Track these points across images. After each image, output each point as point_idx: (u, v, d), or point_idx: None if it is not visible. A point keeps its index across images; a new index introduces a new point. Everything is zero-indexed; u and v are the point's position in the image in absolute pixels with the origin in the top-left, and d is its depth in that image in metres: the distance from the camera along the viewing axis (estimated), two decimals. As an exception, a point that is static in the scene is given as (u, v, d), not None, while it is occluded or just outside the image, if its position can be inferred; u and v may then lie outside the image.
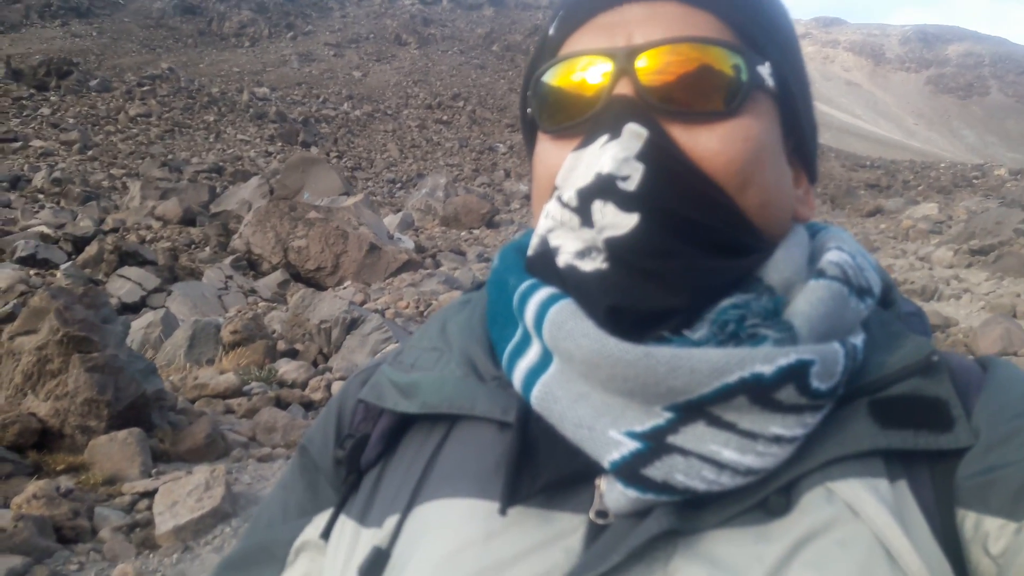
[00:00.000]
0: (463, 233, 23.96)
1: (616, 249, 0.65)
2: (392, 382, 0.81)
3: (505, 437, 0.72)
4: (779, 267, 0.70)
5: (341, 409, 0.89)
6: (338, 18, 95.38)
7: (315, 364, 9.03)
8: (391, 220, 22.58)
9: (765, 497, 0.63)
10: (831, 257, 0.73)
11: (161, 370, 7.76)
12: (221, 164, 32.52)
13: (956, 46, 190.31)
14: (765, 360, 0.61)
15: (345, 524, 0.78)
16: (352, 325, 9.39)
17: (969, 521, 0.63)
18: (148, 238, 18.01)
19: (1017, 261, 13.49)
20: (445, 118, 59.97)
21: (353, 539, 0.76)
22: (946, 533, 0.63)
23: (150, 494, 5.09)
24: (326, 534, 0.80)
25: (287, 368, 8.36)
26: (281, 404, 7.52)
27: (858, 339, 0.70)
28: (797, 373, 0.61)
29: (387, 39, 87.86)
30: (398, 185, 38.72)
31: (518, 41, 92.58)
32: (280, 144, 41.27)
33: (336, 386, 7.91)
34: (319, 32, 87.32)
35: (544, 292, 0.70)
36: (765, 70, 0.73)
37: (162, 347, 9.36)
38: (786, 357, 0.61)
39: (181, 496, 5.01)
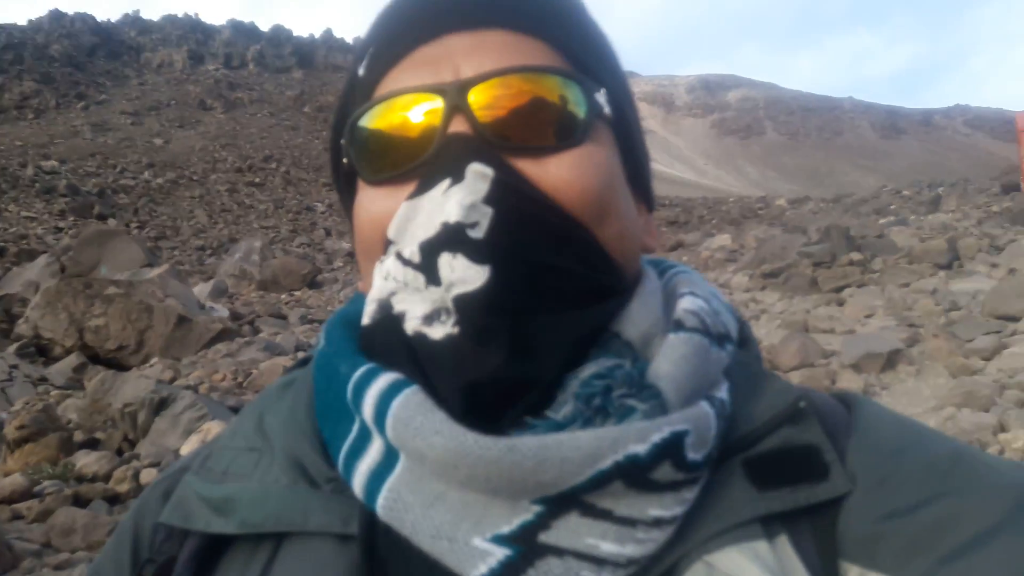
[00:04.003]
0: (283, 296, 23.13)
1: (467, 308, 0.58)
2: (201, 496, 0.68)
3: (348, 552, 0.61)
4: (635, 320, 0.65)
5: (137, 529, 0.74)
6: (135, 86, 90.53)
7: (120, 452, 8.26)
8: (202, 289, 21.33)
9: None
10: (687, 305, 0.68)
11: (-71, 480, 6.78)
12: (2, 245, 29.55)
13: (735, 92, 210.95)
14: (638, 438, 0.56)
15: None
16: (161, 405, 8.67)
17: (853, 574, 0.60)
18: (-87, 332, 15.84)
19: (803, 281, 14.86)
20: (257, 180, 58.19)
21: None
22: None
23: (-87, 629, 4.36)
24: None
25: (86, 460, 7.59)
26: (81, 502, 6.79)
27: (723, 392, 0.66)
28: (672, 447, 0.57)
29: (190, 105, 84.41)
30: (208, 252, 36.88)
31: (330, 102, 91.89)
32: (72, 219, 38.21)
33: (145, 475, 7.29)
34: (114, 101, 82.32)
35: (384, 380, 0.61)
36: (602, 97, 0.69)
37: (-69, 454, 8.18)
38: (659, 431, 0.57)
39: (-45, 625, 4.33)
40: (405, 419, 0.57)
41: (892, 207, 31.69)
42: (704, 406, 0.61)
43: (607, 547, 0.55)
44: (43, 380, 12.64)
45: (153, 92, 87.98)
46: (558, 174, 0.64)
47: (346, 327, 0.72)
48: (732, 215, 42.68)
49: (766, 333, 11.84)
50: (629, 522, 0.56)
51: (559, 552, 0.55)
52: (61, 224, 36.80)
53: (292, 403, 0.74)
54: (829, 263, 15.60)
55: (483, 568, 0.55)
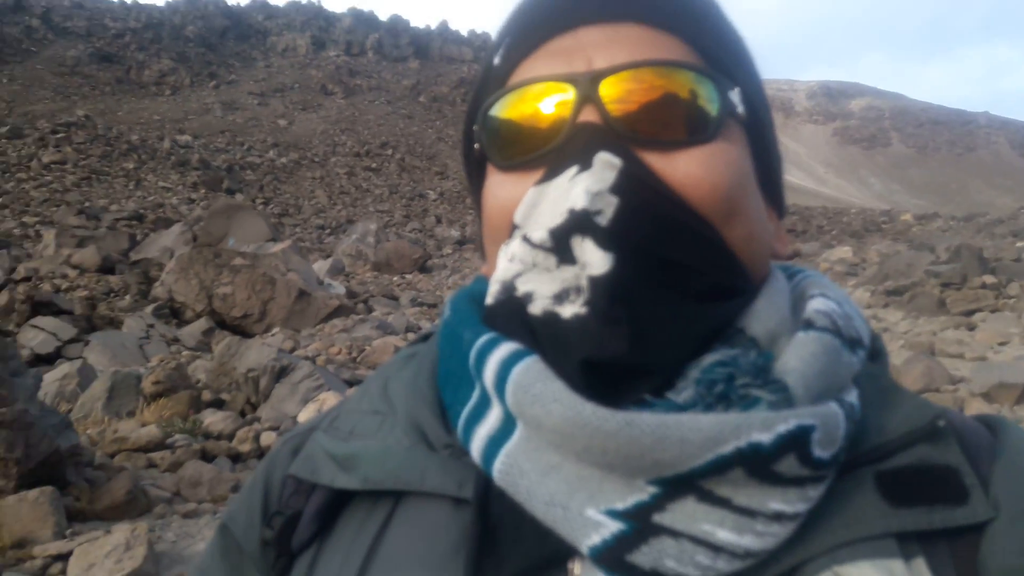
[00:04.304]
0: (395, 278, 23.79)
1: (596, 290, 0.58)
2: (328, 453, 0.71)
3: (462, 515, 0.63)
4: (762, 317, 0.63)
5: (268, 482, 0.77)
6: (262, 68, 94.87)
7: (243, 414, 8.70)
8: (321, 266, 22.23)
9: None
10: (818, 306, 0.66)
11: (77, 424, 7.36)
12: (142, 212, 31.62)
13: (858, 101, 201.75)
14: (763, 427, 0.53)
15: None
16: (281, 373, 9.10)
17: None
18: (64, 287, 17.21)
19: (929, 301, 14.13)
20: (374, 165, 59.97)
21: None
22: None
23: (64, 557, 4.76)
24: None
25: (213, 419, 8.04)
26: (207, 457, 7.21)
27: (852, 396, 0.63)
28: (798, 441, 0.54)
29: (312, 89, 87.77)
30: (327, 231, 38.36)
31: (444, 92, 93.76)
32: (203, 191, 40.48)
33: (265, 437, 7.65)
34: (243, 81, 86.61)
35: (506, 348, 0.61)
36: (735, 96, 0.67)
37: (78, 400, 8.87)
38: (785, 423, 0.54)
39: (99, 558, 4.69)
40: (525, 386, 0.57)
41: (1031, 230, 29.57)
42: (833, 406, 0.58)
43: (724, 535, 0.53)
44: (176, 340, 13.48)
45: (278, 75, 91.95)
46: (687, 170, 0.62)
47: (471, 301, 0.73)
48: (853, 227, 40.89)
49: (889, 353, 11.34)
50: (748, 512, 0.54)
51: (674, 534, 0.53)
52: (193, 196, 39.06)
53: (415, 372, 0.75)
54: (959, 284, 14.75)
55: (596, 539, 0.54)
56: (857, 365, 0.65)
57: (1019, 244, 22.41)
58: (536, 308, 0.61)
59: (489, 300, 0.67)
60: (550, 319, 0.60)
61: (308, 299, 15.24)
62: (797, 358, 0.60)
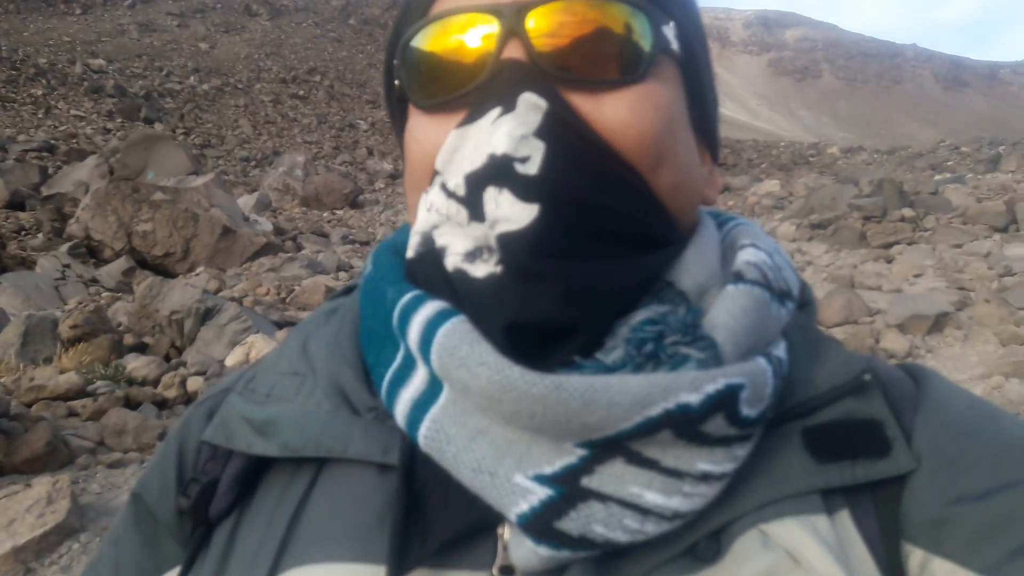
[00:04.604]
0: (325, 214, 23.31)
1: (512, 248, 0.55)
2: (244, 417, 0.68)
3: (387, 482, 0.61)
4: (691, 270, 0.62)
5: (182, 448, 0.74)
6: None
7: (167, 359, 8.49)
8: (246, 201, 21.56)
9: (693, 543, 0.56)
10: (748, 257, 0.65)
11: (-11, 373, 7.05)
12: (53, 142, 29.90)
13: (793, 31, 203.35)
14: (691, 387, 0.53)
15: None
16: (207, 315, 8.87)
17: (915, 559, 0.58)
18: (-32, 224, 16.27)
19: (851, 234, 14.58)
20: (301, 93, 57.99)
21: None
22: (891, 567, 0.58)
23: (-20, 514, 4.59)
24: None
25: (136, 364, 7.81)
26: (131, 404, 7.00)
27: (781, 350, 0.62)
28: (726, 400, 0.54)
29: (235, 9, 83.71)
30: (252, 163, 37.09)
31: (376, 15, 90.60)
32: (120, 120, 38.53)
33: (192, 382, 7.50)
34: (160, 0, 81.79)
35: (431, 307, 0.58)
36: (670, 31, 0.64)
37: (-11, 346, 8.49)
38: (713, 383, 0.54)
39: (19, 513, 4.56)
40: (451, 348, 0.55)
41: (949, 163, 30.75)
42: (761, 362, 0.58)
43: (651, 497, 0.53)
44: (94, 281, 12.97)
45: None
46: (615, 115, 0.59)
47: (393, 254, 0.70)
48: (782, 160, 41.75)
49: (811, 286, 11.73)
50: (676, 474, 0.54)
51: (602, 497, 0.53)
52: (109, 125, 37.14)
53: (336, 330, 0.73)
54: (880, 218, 15.24)
55: (524, 506, 0.53)
56: (786, 317, 0.65)
57: (937, 177, 23.27)
58: (449, 264, 0.59)
59: (409, 253, 0.65)
60: (461, 278, 0.58)
61: (233, 236, 14.81)
62: (726, 313, 0.59)
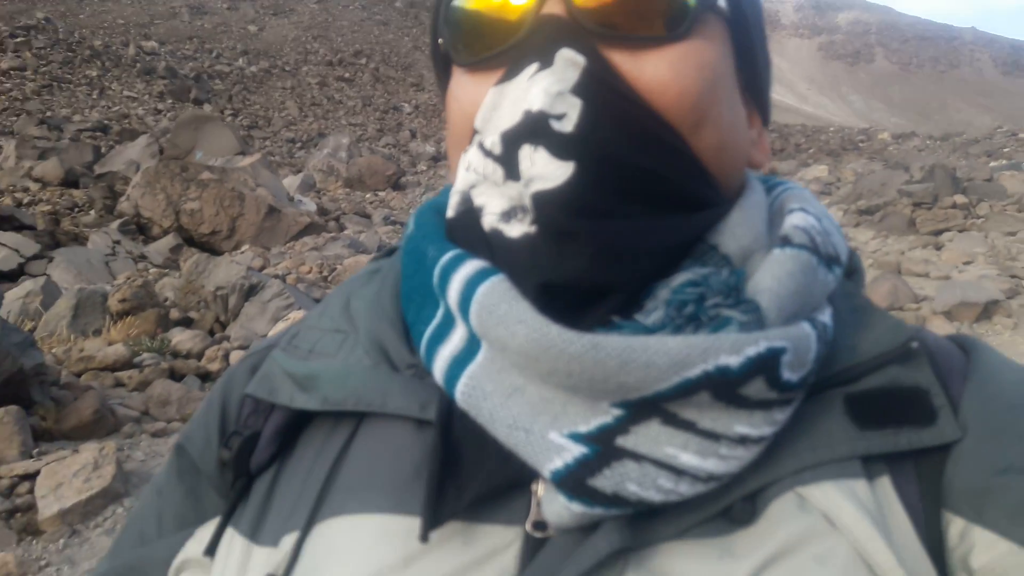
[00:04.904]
0: (368, 195, 23.48)
1: (546, 207, 0.54)
2: (286, 372, 0.68)
3: (424, 437, 0.61)
4: (736, 233, 0.60)
5: (225, 401, 0.75)
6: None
7: (211, 333, 8.67)
8: (291, 181, 21.85)
9: (728, 505, 0.55)
10: (796, 221, 0.63)
11: (42, 342, 7.30)
12: (106, 122, 30.68)
13: (846, 14, 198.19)
14: (732, 350, 0.52)
15: (234, 540, 0.66)
16: (251, 291, 9.04)
17: (955, 527, 0.56)
18: (25, 201, 16.80)
19: (900, 221, 14.23)
20: (347, 75, 58.36)
21: (243, 559, 0.64)
22: (931, 535, 0.56)
23: (31, 476, 4.78)
24: (211, 550, 0.67)
25: (181, 338, 7.99)
26: (175, 376, 7.19)
27: (826, 316, 0.61)
28: (767, 364, 0.53)
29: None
30: (298, 145, 37.57)
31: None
32: (171, 101, 39.28)
33: (235, 356, 7.65)
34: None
35: (471, 266, 0.58)
36: None
37: (43, 318, 8.77)
38: (755, 345, 0.52)
39: (67, 477, 4.73)
40: (489, 306, 0.55)
41: (1006, 150, 29.74)
42: (805, 326, 0.57)
43: (687, 458, 0.52)
44: (143, 257, 13.30)
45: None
46: (655, 73, 0.58)
47: (435, 214, 0.70)
48: (831, 146, 40.82)
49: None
50: (712, 436, 0.53)
51: (637, 457, 0.52)
52: (160, 106, 37.89)
53: (378, 289, 0.73)
54: (930, 204, 14.85)
55: (558, 463, 0.53)
56: (833, 283, 0.63)
57: (992, 164, 22.52)
58: (486, 224, 0.59)
59: (449, 213, 0.64)
60: (497, 237, 0.58)
61: (278, 216, 15.03)
62: (771, 276, 0.57)
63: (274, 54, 59.76)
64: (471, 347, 0.58)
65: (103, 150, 22.67)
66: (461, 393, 0.57)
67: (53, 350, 7.30)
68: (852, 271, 0.70)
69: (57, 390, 6.01)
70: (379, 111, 49.62)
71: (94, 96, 37.51)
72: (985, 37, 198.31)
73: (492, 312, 0.54)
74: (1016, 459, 0.56)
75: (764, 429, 0.55)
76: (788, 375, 0.54)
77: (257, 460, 0.68)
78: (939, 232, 13.49)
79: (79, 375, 6.85)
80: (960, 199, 14.77)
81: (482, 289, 0.56)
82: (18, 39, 42.26)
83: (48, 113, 31.46)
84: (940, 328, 8.23)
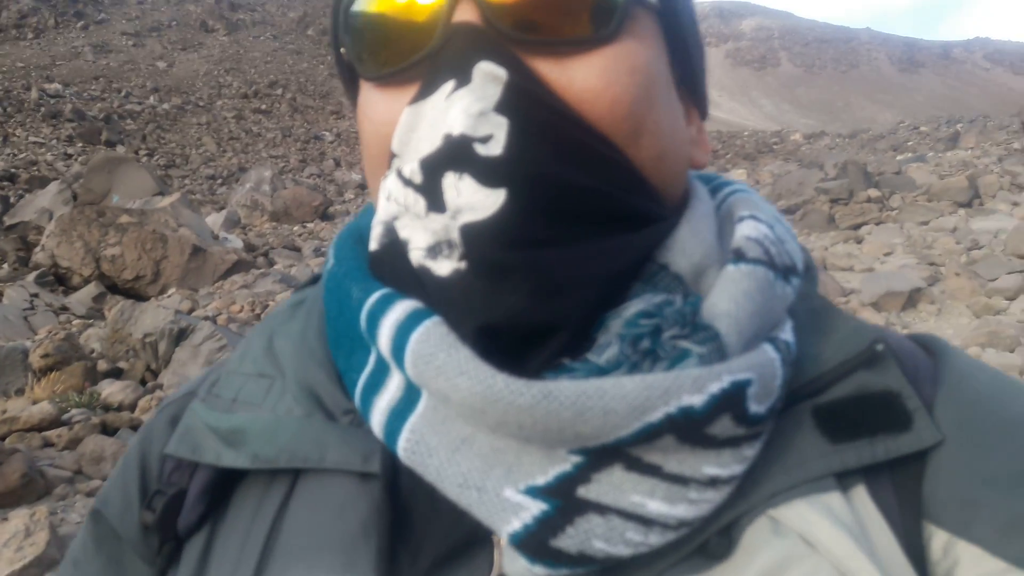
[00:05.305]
0: (296, 228, 23.08)
1: (476, 240, 0.49)
2: (209, 426, 0.62)
3: (369, 490, 0.56)
4: (686, 249, 0.56)
5: (144, 458, 0.68)
6: (134, 5, 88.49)
7: (143, 382, 8.36)
8: (215, 219, 21.28)
9: (703, 541, 0.51)
10: (748, 232, 0.59)
11: (-41, 408, 6.89)
12: (13, 171, 29.37)
13: (749, 21, 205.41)
14: (694, 388, 0.48)
15: None
16: (181, 336, 8.74)
17: (938, 540, 0.53)
18: (-71, 258, 15.91)
19: (820, 217, 14.72)
20: (264, 107, 57.46)
21: None
22: (911, 547, 0.53)
23: (-43, 552, 4.48)
24: None
25: (111, 390, 7.68)
26: (108, 430, 6.88)
27: (788, 333, 0.57)
28: (732, 399, 0.49)
29: (192, 26, 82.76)
30: (219, 181, 36.68)
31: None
32: (81, 145, 37.88)
33: (170, 403, 7.38)
34: (114, 20, 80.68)
35: (401, 308, 0.53)
36: None
37: (-42, 381, 8.30)
38: (718, 381, 0.49)
39: (-3, 548, 4.45)
40: (426, 356, 0.50)
41: (910, 143, 31.22)
42: (768, 350, 0.53)
43: (655, 506, 0.49)
44: (64, 309, 12.72)
45: (153, 12, 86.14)
46: (585, 82, 0.53)
47: (357, 243, 0.64)
48: (747, 150, 42.10)
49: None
50: (680, 480, 0.49)
51: (601, 509, 0.48)
52: (70, 150, 36.50)
53: (303, 325, 0.67)
54: (847, 200, 15.42)
55: (516, 524, 0.48)
56: (791, 296, 0.59)
57: (899, 158, 23.60)
58: (413, 259, 0.54)
59: (373, 245, 0.59)
60: (426, 276, 0.53)
61: (204, 255, 14.59)
62: (728, 298, 0.53)
63: (186, 90, 58.43)
64: (410, 396, 0.54)
65: (12, 200, 21.76)
66: (404, 450, 0.52)
67: (-28, 414, 6.90)
68: (805, 269, 0.66)
69: (-20, 457, 5.67)
70: (300, 141, 48.96)
71: (-3, 144, 35.93)
72: (880, 36, 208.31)
73: (429, 362, 0.50)
74: (1002, 469, 0.54)
75: (734, 468, 0.51)
76: (755, 408, 0.51)
77: (185, 521, 0.62)
78: (858, 226, 14.01)
79: (3, 438, 6.50)
80: (874, 193, 15.39)
81: (416, 336, 0.51)
82: (-90, 89, 40.26)
83: (-52, 164, 29.98)
84: (870, 319, 8.52)
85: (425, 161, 0.52)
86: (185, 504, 0.62)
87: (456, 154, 0.50)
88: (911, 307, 8.87)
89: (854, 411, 0.56)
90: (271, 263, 16.44)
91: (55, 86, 50.69)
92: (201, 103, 55.36)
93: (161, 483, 0.66)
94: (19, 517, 4.67)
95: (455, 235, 0.50)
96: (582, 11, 0.54)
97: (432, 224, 0.52)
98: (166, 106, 52.18)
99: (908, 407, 0.56)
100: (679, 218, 0.58)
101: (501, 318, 0.50)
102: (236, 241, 17.33)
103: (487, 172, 0.49)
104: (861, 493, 0.54)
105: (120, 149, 36.74)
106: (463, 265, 0.50)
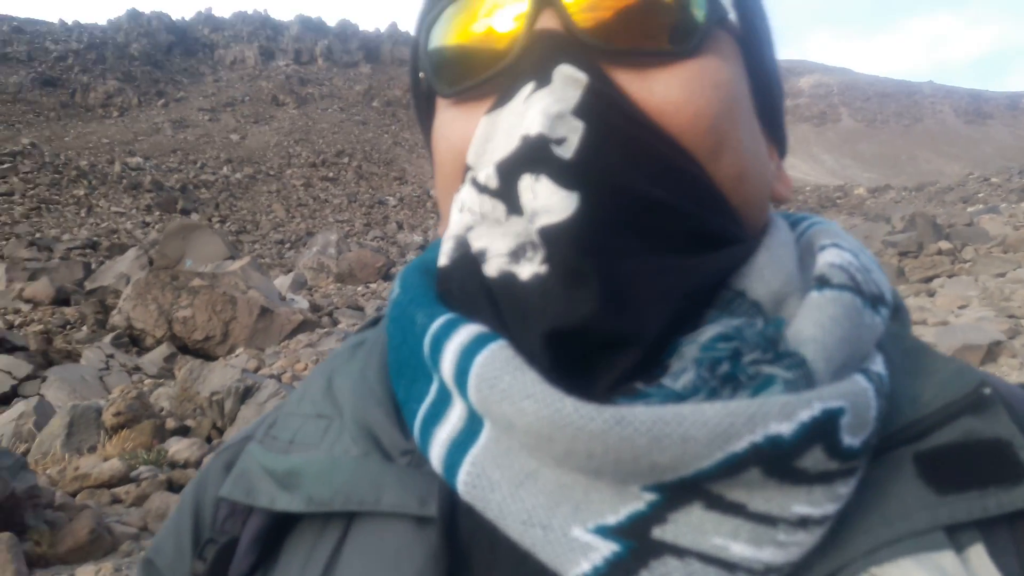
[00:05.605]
0: (359, 288, 23.59)
1: (557, 243, 0.47)
2: (265, 468, 0.60)
3: (426, 536, 0.53)
4: (765, 276, 0.53)
5: (198, 505, 0.66)
6: (211, 83, 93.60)
7: (209, 440, 8.51)
8: (282, 281, 21.93)
9: None
10: (831, 258, 0.55)
11: (35, 464, 7.14)
12: (95, 239, 31.00)
13: (807, 78, 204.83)
14: (782, 415, 0.44)
15: None
16: (247, 394, 8.92)
17: None
18: (17, 322, 16.80)
19: (889, 271, 14.34)
20: (331, 175, 59.50)
21: None
22: None
23: (27, 606, 4.57)
24: None
25: (178, 447, 7.84)
26: (174, 487, 7.00)
27: (879, 365, 0.52)
28: (824, 429, 0.45)
29: (263, 100, 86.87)
30: (287, 245, 37.95)
31: (398, 96, 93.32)
32: (158, 213, 39.84)
33: (234, 461, 7.49)
34: (192, 98, 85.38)
35: (466, 332, 0.51)
36: (727, 1, 0.57)
37: (36, 439, 8.60)
38: (808, 408, 0.44)
39: (64, 603, 4.52)
40: (491, 379, 0.47)
41: (980, 195, 30.34)
42: (860, 380, 0.49)
43: (739, 549, 0.44)
44: (137, 369, 13.19)
45: (227, 88, 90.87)
46: (666, 93, 0.52)
47: (424, 275, 0.62)
48: (810, 205, 41.54)
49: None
50: (767, 520, 0.45)
51: (679, 552, 0.44)
52: (148, 219, 38.37)
53: (363, 365, 0.64)
54: (916, 252, 15.01)
55: (585, 566, 0.44)
56: (881, 326, 0.55)
57: (970, 209, 22.90)
58: (491, 269, 0.51)
59: (442, 260, 0.57)
60: (507, 282, 0.50)
61: (271, 316, 14.99)
62: (814, 324, 0.50)
63: (257, 160, 60.99)
64: (472, 427, 0.51)
65: (93, 266, 22.87)
66: (464, 484, 0.49)
67: (47, 471, 7.12)
68: (895, 309, 0.61)
69: (51, 512, 5.82)
70: (364, 206, 50.40)
71: (82, 214, 38.01)
72: (943, 89, 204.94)
73: (494, 386, 0.47)
74: None
75: (827, 507, 0.46)
76: (849, 440, 0.46)
77: (236, 571, 0.60)
78: (929, 279, 13.58)
79: (74, 495, 6.67)
80: (945, 245, 14.95)
81: (480, 359, 0.48)
82: (5, 165, 43.07)
83: (37, 234, 31.82)
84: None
85: (501, 164, 0.51)
86: (236, 553, 0.61)
87: (533, 155, 0.49)
88: (991, 361, 8.48)
89: (960, 459, 0.51)
90: (335, 322, 16.77)
91: (136, 159, 53.61)
92: (271, 172, 57.66)
93: (214, 531, 0.64)
94: (86, 573, 4.75)
95: (535, 237, 0.49)
96: (661, 31, 0.54)
97: (514, 227, 0.50)
98: (238, 175, 54.50)
99: (1021, 458, 0.50)
100: (758, 243, 0.56)
101: (573, 324, 0.47)
102: (302, 302, 17.76)
103: (562, 174, 0.48)
104: (980, 553, 0.48)
105: (194, 217, 38.42)
106: (544, 269, 0.48)
